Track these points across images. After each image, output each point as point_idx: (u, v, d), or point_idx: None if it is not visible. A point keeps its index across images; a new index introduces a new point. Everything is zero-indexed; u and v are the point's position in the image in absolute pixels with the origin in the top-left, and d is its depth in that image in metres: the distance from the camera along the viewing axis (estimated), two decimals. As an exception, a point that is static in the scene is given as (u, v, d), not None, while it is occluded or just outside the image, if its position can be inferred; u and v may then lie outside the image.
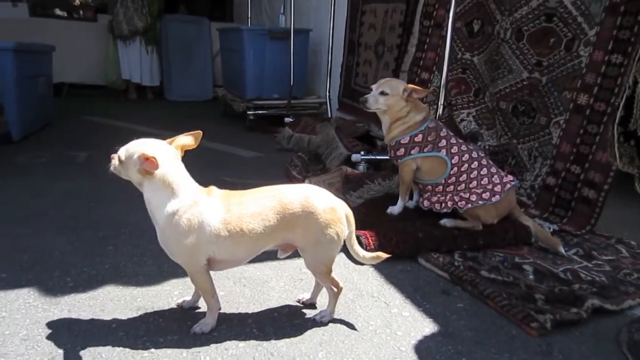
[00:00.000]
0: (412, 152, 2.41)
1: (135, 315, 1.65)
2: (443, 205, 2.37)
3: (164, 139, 1.54)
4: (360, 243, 2.12)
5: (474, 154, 2.40)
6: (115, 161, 1.50)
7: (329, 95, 5.27)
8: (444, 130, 2.46)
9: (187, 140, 1.55)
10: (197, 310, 1.69)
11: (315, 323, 1.65)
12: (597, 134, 2.60)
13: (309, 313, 1.71)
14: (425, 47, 3.92)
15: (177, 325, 1.60)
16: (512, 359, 1.50)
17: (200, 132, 1.57)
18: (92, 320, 1.60)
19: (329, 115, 5.18)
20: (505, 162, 3.05)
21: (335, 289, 1.65)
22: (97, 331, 1.54)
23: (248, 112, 5.21)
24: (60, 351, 1.43)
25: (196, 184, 1.52)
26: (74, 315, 1.62)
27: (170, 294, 1.79)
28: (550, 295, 1.81)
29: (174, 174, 1.47)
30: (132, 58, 7.06)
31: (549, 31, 2.94)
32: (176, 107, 6.76)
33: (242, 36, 5.28)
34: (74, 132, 4.75)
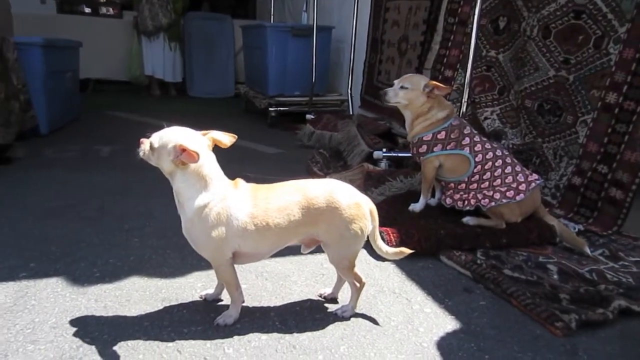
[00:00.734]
0: (435, 149, 2.39)
1: (160, 306, 1.68)
2: (466, 202, 2.35)
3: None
4: (381, 239, 2.14)
5: (498, 152, 2.37)
6: (145, 147, 1.49)
7: (350, 93, 5.26)
8: (468, 128, 2.44)
9: (222, 137, 1.54)
10: (220, 303, 1.72)
11: (336, 317, 1.66)
12: (625, 133, 2.55)
13: (331, 307, 1.72)
14: (449, 44, 3.88)
15: (201, 317, 1.62)
16: (536, 358, 1.49)
17: (236, 136, 1.57)
18: (118, 309, 1.64)
19: (351, 113, 5.18)
20: (530, 161, 3.00)
21: (357, 284, 1.66)
22: (123, 321, 1.57)
23: (270, 109, 5.24)
24: (88, 339, 1.46)
25: (226, 178, 1.54)
26: (100, 305, 1.66)
27: (193, 286, 1.82)
28: (575, 295, 1.78)
29: (208, 167, 1.48)
30: (155, 54, 7.16)
31: (577, 28, 2.88)
32: (198, 104, 6.84)
33: (265, 33, 5.30)
34: (99, 127, 4.84)
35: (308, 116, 4.83)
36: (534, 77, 3.14)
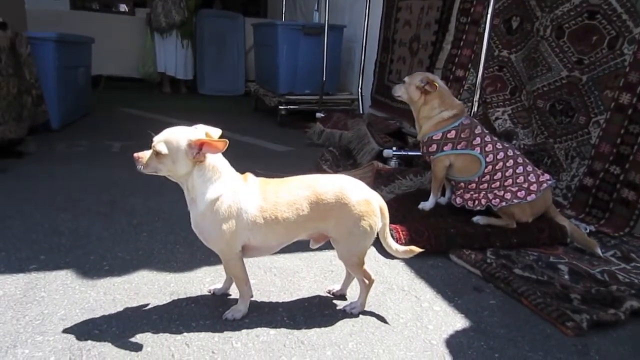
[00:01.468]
0: (445, 148, 2.38)
1: (168, 299, 1.68)
2: (476, 202, 2.33)
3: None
4: (391, 237, 2.13)
5: (510, 152, 2.35)
6: (145, 159, 1.43)
7: (361, 92, 5.25)
8: (479, 127, 2.42)
9: (211, 130, 1.51)
10: (229, 298, 1.72)
11: (345, 314, 1.65)
12: (639, 134, 2.51)
13: (340, 304, 1.71)
14: (461, 44, 3.86)
15: (209, 311, 1.62)
16: (547, 358, 1.47)
17: (220, 130, 1.55)
18: (126, 303, 1.64)
19: (361, 112, 5.17)
20: (541, 162, 2.97)
21: (367, 281, 1.65)
22: (131, 314, 1.58)
23: (280, 107, 5.24)
24: (97, 331, 1.47)
25: (235, 171, 1.54)
26: (109, 298, 1.66)
27: (202, 281, 1.82)
28: (586, 295, 1.76)
29: (220, 161, 1.49)
30: (168, 51, 7.20)
31: (591, 28, 2.85)
32: (209, 101, 6.86)
33: (277, 31, 5.30)
34: (110, 123, 4.88)
35: (318, 115, 4.82)
36: (546, 77, 3.11)
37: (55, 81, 4.12)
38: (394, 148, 3.27)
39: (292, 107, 5.32)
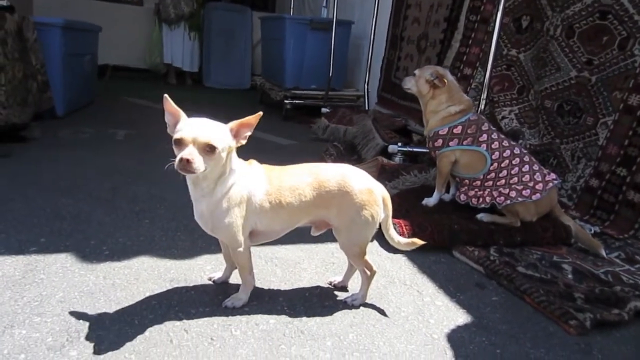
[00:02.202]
0: (451, 143, 2.36)
1: (168, 286, 1.67)
2: (481, 200, 2.31)
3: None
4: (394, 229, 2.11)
5: (516, 150, 2.33)
6: (197, 161, 1.30)
7: (367, 88, 5.23)
8: (486, 124, 2.40)
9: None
10: (229, 286, 1.70)
11: (346, 305, 1.64)
12: (647, 136, 2.49)
13: (341, 295, 1.70)
14: (470, 42, 3.83)
15: (209, 298, 1.61)
16: (549, 355, 1.45)
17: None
18: (126, 287, 1.63)
19: (366, 108, 5.14)
20: (547, 162, 2.95)
21: (368, 273, 1.64)
22: (131, 298, 1.57)
23: (285, 101, 5.22)
24: (95, 314, 1.46)
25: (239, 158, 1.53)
26: (109, 282, 1.65)
27: (203, 269, 1.80)
28: (590, 295, 1.74)
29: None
30: (175, 43, 7.18)
31: (602, 29, 2.82)
32: (214, 94, 6.84)
33: (284, 25, 5.28)
34: (115, 112, 4.87)
35: (323, 110, 4.81)
36: (555, 77, 3.09)
37: (61, 68, 4.10)
38: (399, 144, 3.25)
39: (297, 101, 5.29)
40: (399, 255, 2.06)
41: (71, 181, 2.65)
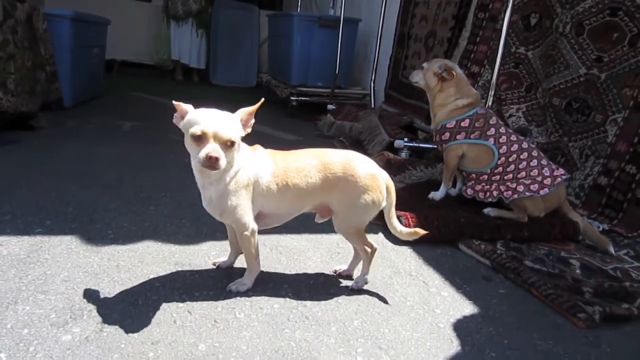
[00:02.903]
0: (458, 137, 2.34)
1: (172, 269, 1.66)
2: (488, 194, 2.29)
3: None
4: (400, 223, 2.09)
5: (524, 145, 2.31)
6: (221, 156, 1.30)
7: (373, 86, 5.21)
8: (494, 118, 2.38)
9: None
10: (233, 271, 1.69)
11: (351, 293, 1.62)
12: (658, 134, 2.47)
13: (345, 283, 1.68)
14: (478, 39, 3.82)
15: (213, 283, 1.60)
16: (557, 347, 1.43)
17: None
18: (130, 269, 1.62)
19: (372, 107, 5.13)
20: (555, 160, 2.92)
21: (369, 250, 1.64)
22: (135, 279, 1.56)
23: (291, 98, 5.21)
24: (99, 294, 1.45)
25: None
26: (113, 264, 1.64)
27: (207, 254, 1.79)
28: (599, 289, 1.72)
29: None
30: (183, 39, 7.19)
31: (612, 26, 2.80)
32: (220, 91, 6.84)
33: (292, 21, 5.28)
34: (122, 105, 4.87)
35: (329, 106, 4.79)
36: (563, 74, 3.06)
37: (69, 59, 4.11)
38: (405, 139, 3.23)
39: (303, 98, 5.29)
40: (404, 247, 2.05)
41: (77, 169, 2.65)
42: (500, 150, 2.28)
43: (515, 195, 2.21)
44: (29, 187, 2.29)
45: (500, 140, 2.30)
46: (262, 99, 1.43)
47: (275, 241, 1.96)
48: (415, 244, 2.06)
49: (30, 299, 1.38)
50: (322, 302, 1.55)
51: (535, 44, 3.36)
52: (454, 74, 2.32)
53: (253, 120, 1.46)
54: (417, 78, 2.46)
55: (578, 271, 1.91)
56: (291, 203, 1.52)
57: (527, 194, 2.20)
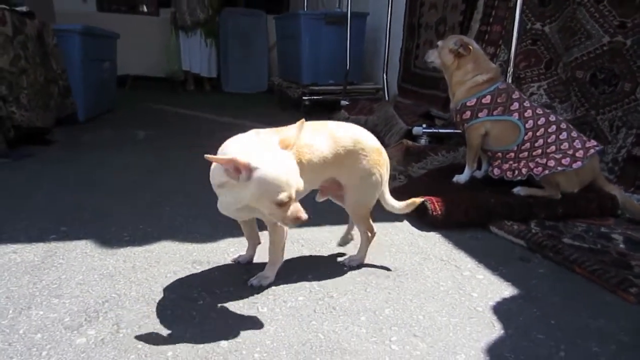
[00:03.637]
0: (480, 115, 2.23)
1: (190, 267, 1.58)
2: (516, 172, 2.17)
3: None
4: (425, 208, 2.00)
5: (552, 117, 2.19)
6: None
7: (386, 78, 5.10)
8: (517, 92, 2.27)
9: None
10: (252, 266, 1.61)
11: (380, 282, 1.52)
12: (694, 97, 2.31)
13: (374, 272, 1.59)
14: (491, 20, 3.69)
15: (233, 279, 1.51)
16: (610, 325, 1.31)
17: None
18: (147, 270, 1.55)
19: (387, 99, 5.02)
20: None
21: (369, 234, 1.60)
22: (152, 279, 1.49)
23: (304, 97, 5.14)
24: (115, 295, 1.38)
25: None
26: (129, 265, 1.58)
27: (226, 251, 1.72)
28: (648, 262, 1.59)
29: None
30: (192, 49, 7.21)
31: (634, -12, 2.66)
32: (233, 98, 6.83)
33: (299, 21, 5.22)
34: (135, 116, 4.86)
35: (342, 102, 4.71)
36: (585, 45, 2.92)
37: (81, 73, 4.11)
38: (424, 125, 3.12)
39: (315, 97, 5.21)
40: (432, 233, 1.94)
41: (92, 177, 2.61)
42: (527, 125, 2.16)
43: (547, 171, 2.09)
44: (44, 195, 2.26)
45: (526, 114, 2.18)
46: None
47: (297, 235, 1.87)
48: (443, 230, 1.96)
49: (43, 303, 1.32)
50: (349, 292, 1.45)
51: (551, 17, 3.22)
52: (471, 48, 2.21)
53: None
54: (433, 57, 2.36)
55: (622, 245, 1.78)
56: (306, 180, 1.43)
57: (559, 168, 2.07)
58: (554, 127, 2.16)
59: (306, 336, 1.22)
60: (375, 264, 1.65)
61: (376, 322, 1.30)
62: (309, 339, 1.21)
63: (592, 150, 2.09)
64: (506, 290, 1.50)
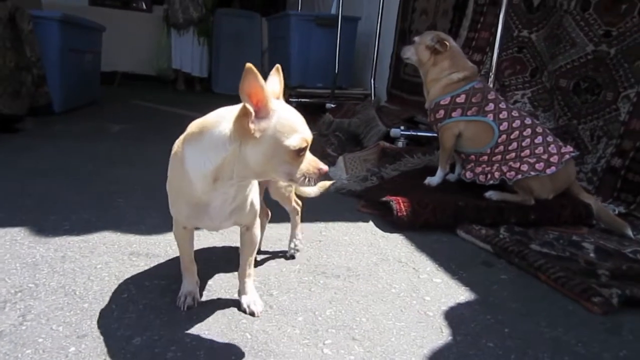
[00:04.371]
0: (453, 114, 2.13)
1: (126, 259, 1.47)
2: (489, 176, 2.08)
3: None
4: (390, 208, 1.89)
5: (527, 120, 2.10)
6: None
7: (373, 83, 5.02)
8: (493, 93, 2.17)
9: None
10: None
11: (328, 282, 1.41)
12: (677, 107, 2.23)
13: (324, 270, 1.48)
14: (479, 26, 3.62)
15: (168, 271, 1.40)
16: (568, 335, 1.20)
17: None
18: (77, 260, 1.43)
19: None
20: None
21: (298, 208, 1.55)
22: (79, 270, 1.37)
23: (290, 99, 5.04)
24: (32, 285, 1.26)
25: None
26: (59, 255, 1.46)
27: (170, 244, 1.60)
28: (616, 272, 1.49)
29: None
30: (184, 48, 7.10)
31: (620, -4, 2.59)
32: (222, 99, 6.67)
33: (289, 22, 5.14)
34: (116, 111, 4.74)
35: (328, 105, 4.62)
36: (570, 54, 2.84)
37: (58, 62, 3.98)
38: (402, 127, 3.03)
39: (302, 100, 5.11)
40: (395, 235, 1.84)
41: (52, 165, 2.49)
42: (501, 127, 2.07)
43: (519, 176, 1.99)
44: (-8, 182, 2.14)
45: (501, 116, 2.08)
46: (278, 65, 1.17)
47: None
48: (408, 231, 1.85)
49: (-52, 290, 1.20)
50: (292, 291, 1.34)
51: (539, 25, 3.15)
52: (447, 44, 2.12)
53: None
54: (409, 54, 2.26)
55: (592, 254, 1.68)
56: None
57: (532, 173, 1.97)
58: (529, 130, 2.06)
59: (231, 335, 1.11)
60: (328, 263, 1.54)
61: (313, 324, 1.19)
62: (234, 338, 1.10)
63: (567, 156, 2.00)
64: (462, 295, 1.39)
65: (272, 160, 1.00)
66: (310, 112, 4.88)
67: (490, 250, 1.72)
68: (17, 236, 1.57)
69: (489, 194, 2.06)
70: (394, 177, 2.32)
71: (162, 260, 1.47)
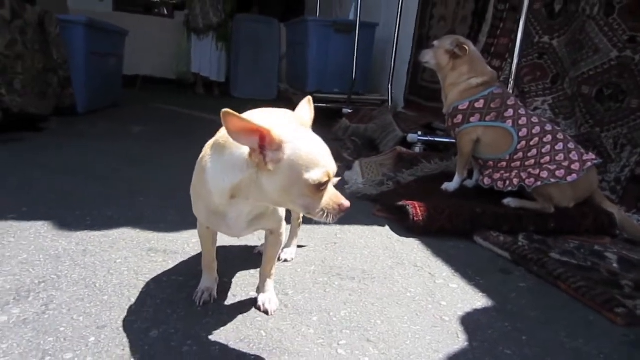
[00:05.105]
0: (472, 119, 2.12)
1: (144, 255, 1.49)
2: (507, 183, 2.05)
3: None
4: (406, 212, 1.89)
5: (548, 127, 2.07)
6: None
7: (390, 89, 5.01)
8: (512, 98, 2.15)
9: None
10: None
11: (343, 284, 1.41)
12: (703, 117, 2.18)
13: (337, 272, 1.48)
14: (498, 32, 3.60)
15: (187, 268, 1.42)
16: (589, 346, 1.18)
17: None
18: (97, 254, 1.46)
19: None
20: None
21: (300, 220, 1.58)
22: (99, 264, 1.40)
23: (307, 104, 5.05)
24: (54, 276, 1.29)
25: None
26: (80, 248, 1.49)
27: (187, 241, 1.62)
28: None
29: None
30: (203, 52, 7.20)
31: (646, 2, 2.55)
32: (241, 103, 6.78)
33: (307, 27, 5.18)
34: (137, 113, 4.82)
35: (345, 110, 4.62)
36: (592, 60, 2.80)
37: (83, 65, 4.08)
38: (419, 132, 3.01)
39: (319, 105, 5.11)
40: (411, 239, 1.83)
41: (75, 163, 2.55)
42: (520, 134, 2.05)
43: (539, 183, 1.96)
44: (19, 177, 2.20)
45: (520, 122, 2.06)
46: (309, 97, 1.19)
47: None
48: (424, 236, 1.84)
49: (-26, 280, 1.23)
50: (307, 291, 1.35)
51: (560, 31, 3.12)
52: (467, 49, 2.11)
53: None
54: (428, 57, 2.26)
55: (615, 265, 1.65)
56: None
57: (552, 180, 1.95)
58: (549, 136, 2.04)
59: (246, 332, 1.11)
60: (343, 265, 1.54)
61: (328, 324, 1.19)
62: (249, 335, 1.10)
63: (589, 164, 1.97)
64: (479, 301, 1.38)
65: (290, 192, 0.97)
66: (327, 117, 4.93)
67: (509, 258, 1.70)
68: (41, 229, 1.60)
69: (508, 200, 2.03)
70: (410, 182, 2.31)
71: (179, 258, 1.49)
